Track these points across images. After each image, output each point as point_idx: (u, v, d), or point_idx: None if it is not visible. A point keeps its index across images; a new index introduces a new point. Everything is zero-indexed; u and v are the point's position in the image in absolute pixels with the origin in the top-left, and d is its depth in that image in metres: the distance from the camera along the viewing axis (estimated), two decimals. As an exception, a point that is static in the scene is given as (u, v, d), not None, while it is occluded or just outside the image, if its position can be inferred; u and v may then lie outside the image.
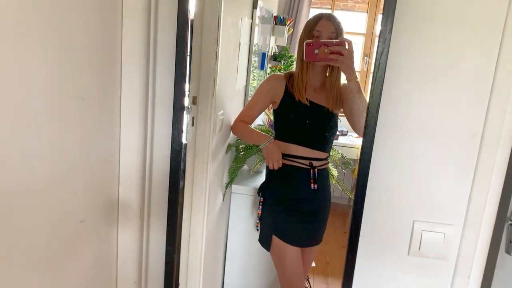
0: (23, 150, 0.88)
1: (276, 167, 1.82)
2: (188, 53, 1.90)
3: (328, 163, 1.95)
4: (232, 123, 2.23)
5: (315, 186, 1.84)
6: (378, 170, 1.20)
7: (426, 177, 1.20)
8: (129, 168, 1.28)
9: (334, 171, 2.21)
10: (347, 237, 1.22)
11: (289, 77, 1.86)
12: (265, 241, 1.96)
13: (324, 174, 1.90)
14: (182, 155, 1.87)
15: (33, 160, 0.91)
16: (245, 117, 2.00)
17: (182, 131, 1.22)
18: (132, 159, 1.27)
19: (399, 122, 1.17)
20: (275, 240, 1.90)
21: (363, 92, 1.70)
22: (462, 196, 1.21)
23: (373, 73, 1.11)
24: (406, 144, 1.19)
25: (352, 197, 2.39)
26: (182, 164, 1.87)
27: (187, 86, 1.94)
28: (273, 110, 1.94)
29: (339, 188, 2.23)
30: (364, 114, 1.68)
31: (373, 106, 1.11)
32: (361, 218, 1.19)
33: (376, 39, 4.50)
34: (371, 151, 1.14)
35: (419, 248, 1.24)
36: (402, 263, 1.27)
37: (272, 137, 1.85)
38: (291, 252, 1.87)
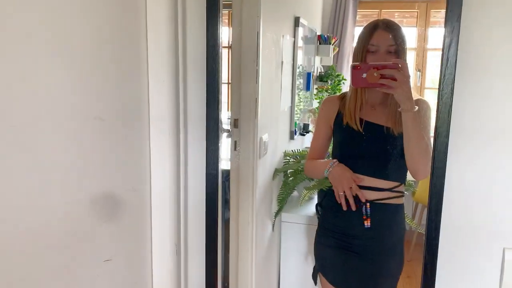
0: (33, 182, 0.76)
1: (348, 193, 1.50)
2: (225, 79, 1.82)
3: (398, 196, 1.56)
4: (278, 146, 2.08)
5: (368, 223, 1.53)
6: (454, 188, 0.99)
7: (518, 194, 0.97)
8: (162, 197, 1.14)
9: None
10: (421, 271, 1.00)
11: (343, 97, 1.62)
12: (313, 276, 1.74)
13: (388, 210, 1.55)
14: (224, 182, 1.75)
15: (45, 190, 0.79)
16: (313, 153, 1.72)
17: (218, 154, 1.08)
18: (164, 187, 1.14)
19: (478, 126, 0.96)
20: (322, 278, 1.67)
21: (421, 128, 1.38)
22: None
23: (441, 70, 0.92)
24: (490, 154, 0.97)
25: (412, 225, 2.13)
26: (224, 192, 1.74)
27: (227, 114, 1.85)
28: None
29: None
30: (422, 157, 1.37)
31: (443, 109, 0.92)
32: (437, 248, 0.97)
33: (429, 53, 4.23)
34: (445, 164, 0.94)
35: (515, 283, 0.99)
36: (493, 302, 1.02)
37: (335, 161, 1.56)
38: None
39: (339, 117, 1.60)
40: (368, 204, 1.52)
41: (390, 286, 1.62)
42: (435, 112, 0.96)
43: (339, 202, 1.53)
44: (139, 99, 1.08)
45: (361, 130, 1.53)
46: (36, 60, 0.75)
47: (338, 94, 1.73)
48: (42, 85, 0.77)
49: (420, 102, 1.46)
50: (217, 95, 1.05)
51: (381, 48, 1.44)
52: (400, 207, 1.60)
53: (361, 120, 1.54)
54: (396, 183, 1.56)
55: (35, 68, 0.75)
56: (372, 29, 1.47)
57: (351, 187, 1.50)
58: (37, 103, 0.76)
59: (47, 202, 0.80)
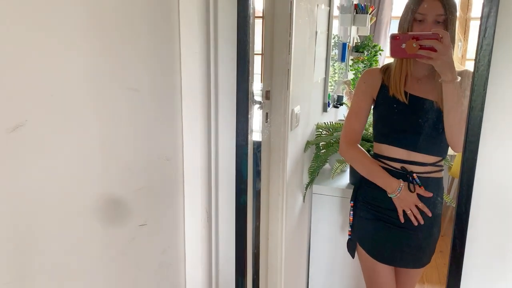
0: (68, 150, 0.81)
1: (416, 210, 1.51)
2: (259, 50, 1.81)
3: (439, 170, 1.57)
4: (310, 118, 2.07)
5: (421, 190, 1.52)
6: (487, 163, 0.97)
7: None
8: (194, 166, 1.18)
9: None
10: (450, 246, 1.00)
11: (386, 69, 1.57)
12: (350, 247, 1.75)
13: (430, 183, 1.54)
14: (256, 153, 1.77)
15: (82, 158, 0.84)
16: (352, 133, 1.64)
17: (247, 125, 1.09)
18: (196, 157, 1.17)
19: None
20: (360, 249, 1.68)
21: (463, 100, 1.35)
22: None
23: (478, 41, 0.89)
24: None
25: (448, 200, 2.10)
26: (255, 163, 1.77)
27: (260, 85, 1.85)
28: (372, 108, 1.64)
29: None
30: (458, 130, 1.37)
31: (479, 82, 0.89)
32: (467, 220, 0.96)
33: (472, 22, 4.02)
34: (478, 139, 0.92)
35: (547, 260, 0.98)
36: (523, 279, 1.01)
37: (402, 185, 1.51)
38: (377, 267, 1.62)
39: (383, 89, 1.55)
40: (414, 174, 1.52)
41: (427, 259, 1.63)
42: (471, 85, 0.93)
43: (400, 219, 1.54)
44: (172, 70, 1.11)
45: (406, 102, 1.49)
46: (68, 28, 0.78)
47: (379, 66, 1.67)
48: (75, 54, 0.80)
49: (464, 73, 1.41)
50: (247, 66, 1.05)
51: (429, 18, 1.37)
52: (441, 180, 1.59)
53: (405, 93, 1.50)
54: (438, 158, 1.55)
55: (68, 37, 0.78)
56: None
57: (415, 207, 1.52)
58: (72, 71, 0.80)
59: (84, 169, 0.85)
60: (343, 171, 2.39)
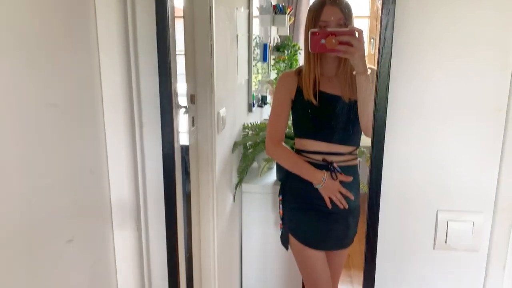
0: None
1: (339, 196, 1.64)
2: (182, 50, 1.82)
3: (355, 158, 1.74)
4: (237, 119, 2.12)
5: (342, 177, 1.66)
6: (393, 158, 1.08)
7: (448, 161, 1.08)
8: (119, 177, 1.18)
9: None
10: (365, 235, 1.10)
11: (299, 72, 1.69)
12: (283, 240, 1.85)
13: (349, 170, 1.69)
14: (184, 156, 1.78)
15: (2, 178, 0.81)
16: (276, 134, 1.75)
17: (174, 133, 1.11)
18: (121, 168, 1.17)
19: (412, 101, 1.04)
20: (292, 240, 1.78)
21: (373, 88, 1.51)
22: (489, 179, 1.07)
23: (379, 50, 0.99)
24: (422, 126, 1.06)
25: (365, 190, 2.27)
26: (184, 166, 1.78)
27: (184, 86, 1.86)
28: (291, 108, 1.75)
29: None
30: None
31: (381, 86, 0.99)
32: (378, 213, 1.07)
33: (382, 20, 4.26)
34: (383, 138, 1.02)
35: (446, 240, 1.11)
36: (427, 258, 1.14)
37: (326, 176, 1.64)
38: (310, 253, 1.73)
39: (299, 92, 1.67)
40: (335, 164, 1.64)
41: (351, 239, 1.79)
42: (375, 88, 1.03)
43: (328, 205, 1.66)
44: (92, 83, 1.10)
45: (319, 103, 1.61)
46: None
47: (293, 69, 1.77)
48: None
49: (371, 69, 1.56)
50: (170, 77, 1.07)
51: (332, 23, 1.51)
52: (357, 167, 1.75)
53: (320, 92, 1.62)
54: (354, 147, 1.71)
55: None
56: (320, 5, 1.52)
57: (339, 193, 1.65)
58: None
59: (2, 191, 0.82)
60: (270, 168, 2.48)
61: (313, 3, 1.56)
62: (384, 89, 0.99)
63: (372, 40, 4.47)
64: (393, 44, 0.98)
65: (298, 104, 1.68)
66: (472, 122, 1.04)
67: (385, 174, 1.07)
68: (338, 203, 1.65)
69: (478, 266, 1.13)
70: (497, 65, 1.01)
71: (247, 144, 2.32)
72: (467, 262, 1.13)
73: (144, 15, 1.13)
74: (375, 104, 1.02)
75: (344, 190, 1.65)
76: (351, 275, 2.79)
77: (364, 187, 2.24)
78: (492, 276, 1.12)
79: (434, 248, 1.13)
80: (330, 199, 1.65)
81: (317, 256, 1.74)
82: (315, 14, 1.52)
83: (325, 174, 1.64)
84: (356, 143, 1.72)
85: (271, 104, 1.82)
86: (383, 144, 1.03)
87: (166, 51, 1.08)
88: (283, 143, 1.77)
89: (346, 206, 1.66)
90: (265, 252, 2.40)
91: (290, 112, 1.76)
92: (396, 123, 1.06)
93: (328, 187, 1.65)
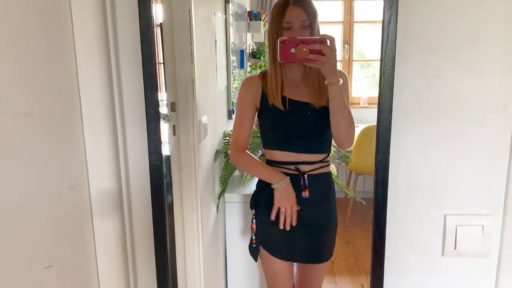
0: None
1: (289, 219, 1.51)
2: (161, 56, 1.73)
3: (327, 165, 1.64)
4: (218, 127, 2.03)
5: (307, 194, 1.56)
6: (399, 161, 1.02)
7: (455, 163, 1.02)
8: (102, 193, 1.07)
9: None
10: (371, 243, 1.03)
11: (264, 76, 1.59)
12: (252, 251, 1.74)
13: (321, 179, 1.61)
14: (165, 168, 1.68)
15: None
16: (238, 142, 1.65)
17: (160, 142, 1.02)
18: (104, 183, 1.06)
19: (417, 101, 0.98)
20: (262, 251, 1.69)
21: (346, 100, 1.42)
22: (498, 180, 1.03)
23: (382, 47, 0.93)
24: (428, 127, 1.00)
25: (349, 193, 2.23)
26: (167, 177, 1.68)
27: (164, 95, 1.76)
28: (257, 116, 1.65)
29: (337, 185, 2.02)
30: (348, 127, 1.42)
31: (386, 85, 0.93)
32: (385, 220, 1.01)
33: (355, 26, 4.31)
34: (389, 140, 0.96)
35: (455, 246, 1.06)
36: (436, 265, 1.08)
37: (288, 178, 1.53)
38: (278, 265, 1.64)
39: (264, 97, 1.57)
40: (305, 175, 1.55)
41: (327, 254, 1.68)
42: (378, 88, 0.96)
43: (273, 219, 1.52)
44: (70, 93, 0.99)
45: (286, 109, 1.52)
46: None
47: (257, 74, 1.68)
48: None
49: (341, 74, 1.48)
50: (156, 85, 0.98)
51: (295, 24, 1.42)
52: (330, 174, 1.66)
53: (285, 98, 1.53)
54: (325, 155, 1.61)
55: None
56: (284, 6, 1.45)
57: (291, 207, 1.51)
58: None
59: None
60: (253, 177, 2.40)
61: (276, 3, 1.47)
62: (389, 88, 0.93)
63: (346, 45, 4.49)
64: (396, 41, 0.92)
65: (264, 111, 1.59)
66: (480, 122, 1.00)
67: (391, 179, 1.00)
68: (282, 218, 1.51)
69: (489, 272, 1.08)
70: (503, 62, 0.97)
71: (229, 152, 2.24)
72: (477, 268, 1.08)
73: (125, 20, 1.04)
74: (379, 104, 0.95)
75: (295, 209, 1.52)
76: (336, 282, 2.73)
77: (349, 191, 2.20)
78: (504, 282, 1.07)
79: (443, 254, 1.07)
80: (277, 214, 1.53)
81: (284, 268, 1.66)
82: (278, 15, 1.45)
83: (288, 179, 1.53)
84: (327, 150, 1.63)
85: (235, 110, 1.71)
86: (389, 147, 0.97)
87: (151, 60, 0.99)
88: (247, 151, 1.68)
89: (294, 224, 1.53)
90: (250, 262, 2.32)
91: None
92: (400, 124, 1.01)
93: (284, 192, 1.53)
